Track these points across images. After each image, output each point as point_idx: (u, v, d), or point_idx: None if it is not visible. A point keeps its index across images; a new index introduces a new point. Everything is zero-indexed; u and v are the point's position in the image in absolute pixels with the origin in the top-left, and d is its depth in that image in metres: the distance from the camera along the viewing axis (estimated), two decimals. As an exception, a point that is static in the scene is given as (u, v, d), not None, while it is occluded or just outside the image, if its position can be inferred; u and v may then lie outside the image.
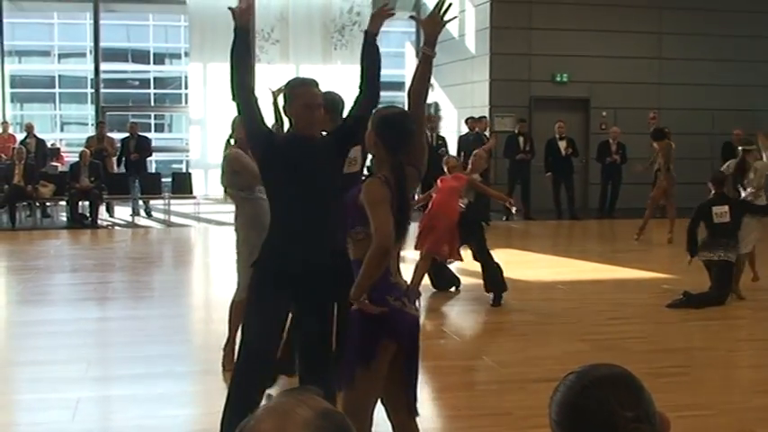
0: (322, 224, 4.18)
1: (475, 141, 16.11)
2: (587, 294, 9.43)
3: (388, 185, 3.57)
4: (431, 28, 3.82)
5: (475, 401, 5.73)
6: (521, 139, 16.70)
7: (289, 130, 4.43)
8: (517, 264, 10.98)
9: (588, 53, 17.95)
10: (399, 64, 22.40)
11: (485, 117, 16.88)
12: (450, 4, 3.88)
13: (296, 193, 4.18)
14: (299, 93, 4.26)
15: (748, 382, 6.23)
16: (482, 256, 8.74)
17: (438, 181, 8.74)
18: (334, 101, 5.40)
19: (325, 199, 4.19)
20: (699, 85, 18.35)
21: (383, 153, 3.68)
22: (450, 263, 9.00)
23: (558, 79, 18.13)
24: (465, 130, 16.87)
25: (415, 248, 8.57)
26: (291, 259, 4.19)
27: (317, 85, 4.31)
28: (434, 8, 3.82)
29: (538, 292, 9.67)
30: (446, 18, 3.85)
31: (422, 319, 7.96)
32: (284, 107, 4.37)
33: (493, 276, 8.66)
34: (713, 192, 9.11)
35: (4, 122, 18.24)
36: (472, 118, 16.61)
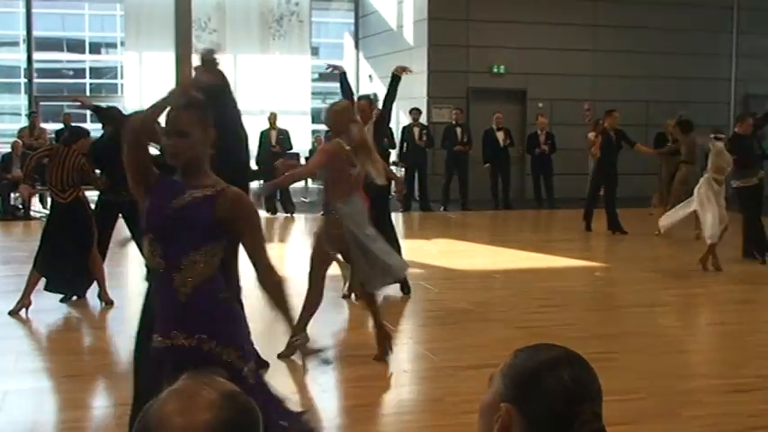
0: None
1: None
2: (522, 283, 9.52)
3: None
4: None
5: (406, 389, 5.77)
6: (458, 131, 16.77)
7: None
8: (454, 253, 11.05)
9: (525, 45, 18.10)
10: (338, 54, 22.37)
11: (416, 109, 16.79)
12: None
13: None
14: None
15: (674, 366, 6.35)
16: None
17: None
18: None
19: None
20: (633, 77, 18.62)
21: None
22: None
23: (496, 71, 18.26)
24: (405, 120, 16.92)
25: None
26: None
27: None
28: None
29: (474, 280, 9.73)
30: None
31: (353, 310, 7.99)
32: None
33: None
34: None
35: (-67, 112, 17.85)
36: (417, 109, 16.60)
